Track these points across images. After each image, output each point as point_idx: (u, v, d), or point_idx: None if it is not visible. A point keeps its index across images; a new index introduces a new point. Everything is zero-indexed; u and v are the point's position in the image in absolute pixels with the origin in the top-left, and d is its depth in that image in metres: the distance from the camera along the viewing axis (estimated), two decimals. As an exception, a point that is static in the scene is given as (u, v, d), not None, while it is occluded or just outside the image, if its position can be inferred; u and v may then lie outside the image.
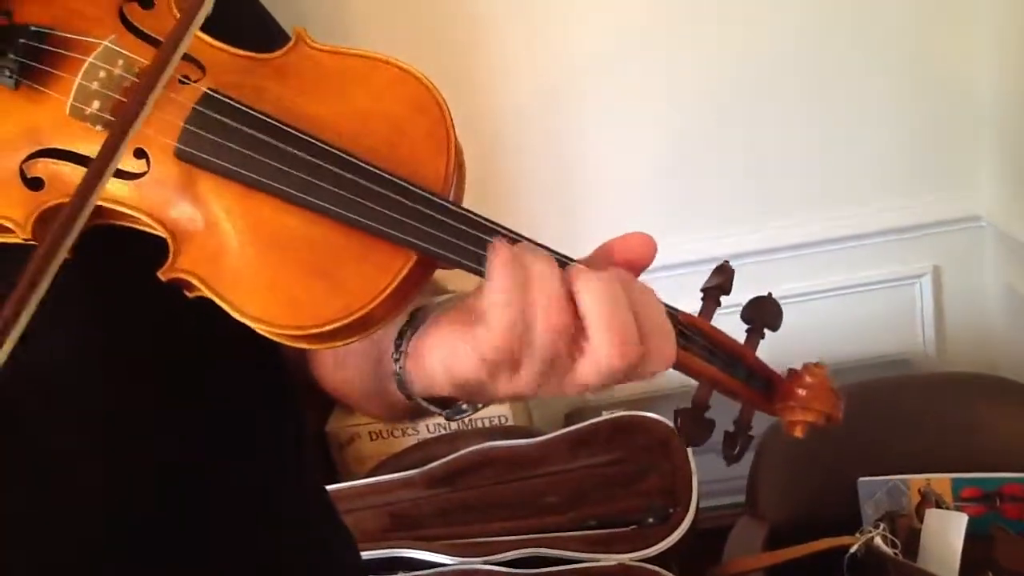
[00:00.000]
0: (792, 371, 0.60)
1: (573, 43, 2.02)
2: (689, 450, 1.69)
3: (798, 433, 0.60)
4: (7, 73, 0.59)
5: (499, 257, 0.53)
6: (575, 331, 0.53)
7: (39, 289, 0.52)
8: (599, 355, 0.52)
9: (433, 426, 2.07)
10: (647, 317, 0.53)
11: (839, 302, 2.15)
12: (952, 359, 2.18)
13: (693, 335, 0.58)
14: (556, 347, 0.53)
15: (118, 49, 0.60)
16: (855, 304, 2.16)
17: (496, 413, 2.05)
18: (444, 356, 0.58)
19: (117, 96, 0.59)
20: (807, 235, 2.10)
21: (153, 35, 0.62)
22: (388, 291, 0.56)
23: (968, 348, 2.17)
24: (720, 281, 0.60)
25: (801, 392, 0.59)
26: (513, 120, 2.07)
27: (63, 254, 0.53)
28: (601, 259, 0.57)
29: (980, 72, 1.99)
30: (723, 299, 0.61)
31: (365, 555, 1.58)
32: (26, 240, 0.59)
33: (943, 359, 2.19)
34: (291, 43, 0.62)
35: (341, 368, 0.75)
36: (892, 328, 2.18)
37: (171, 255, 0.58)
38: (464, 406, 0.64)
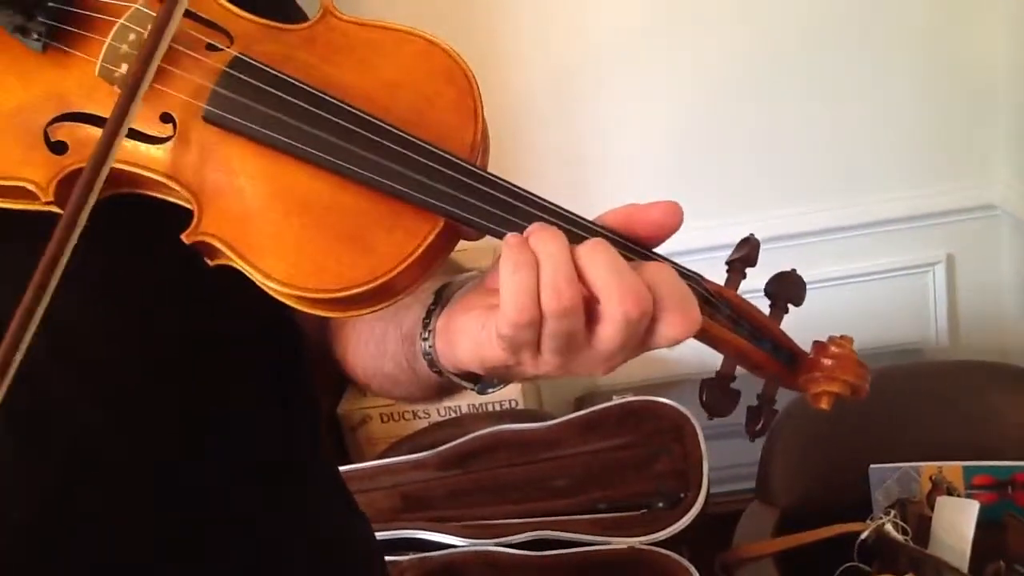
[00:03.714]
0: (817, 343, 0.60)
1: (591, 20, 2.02)
2: (700, 435, 1.69)
3: (824, 405, 0.59)
4: (35, 36, 0.59)
5: (508, 243, 0.54)
6: (589, 303, 0.53)
7: (63, 259, 0.52)
8: (613, 312, 0.52)
9: (444, 409, 2.08)
10: (661, 283, 0.54)
11: (852, 290, 2.15)
12: (964, 348, 2.18)
13: (719, 304, 0.58)
14: (571, 323, 0.53)
15: (149, 12, 0.60)
16: (868, 292, 2.15)
17: (507, 397, 2.06)
18: (471, 343, 0.58)
19: None
20: (820, 223, 2.10)
21: None
22: (414, 256, 0.56)
23: (981, 337, 2.17)
24: (745, 253, 0.59)
25: (827, 362, 0.59)
26: (529, 97, 2.08)
27: (84, 219, 0.53)
28: (623, 222, 0.57)
29: (995, 60, 1.98)
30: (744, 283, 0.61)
31: (377, 535, 1.59)
32: (47, 204, 0.59)
33: (955, 348, 2.19)
34: (319, 14, 0.63)
35: (378, 364, 0.74)
36: (905, 316, 2.17)
37: (196, 218, 0.58)
38: (495, 380, 0.64)
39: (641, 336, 0.54)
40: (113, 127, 0.55)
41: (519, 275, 0.52)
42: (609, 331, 0.53)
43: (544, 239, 0.53)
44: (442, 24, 1.93)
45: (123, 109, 0.55)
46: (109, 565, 0.71)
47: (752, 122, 2.06)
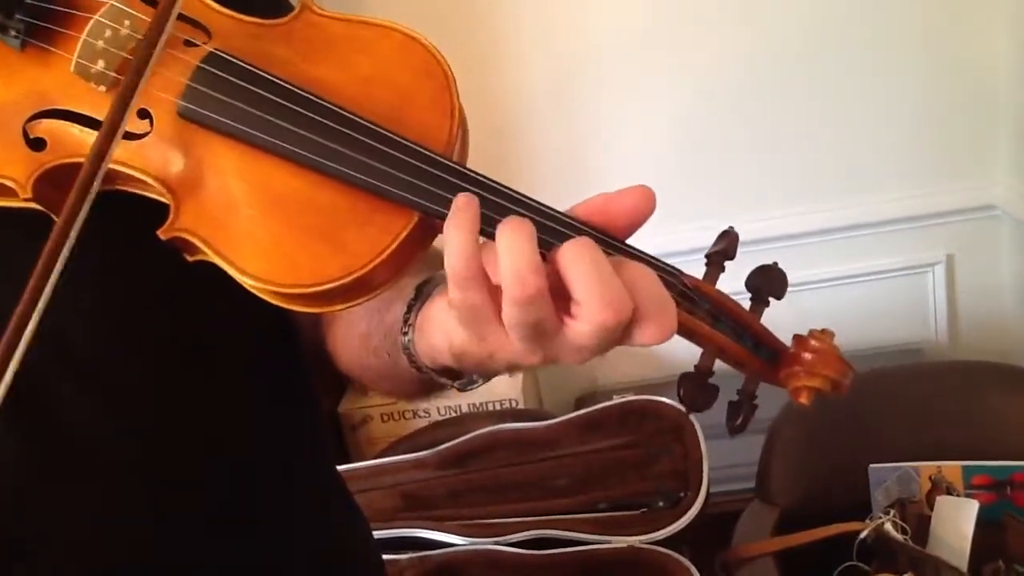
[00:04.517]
0: (797, 337, 0.59)
1: (592, 21, 2.03)
2: (700, 435, 1.69)
3: (804, 400, 0.58)
4: (13, 33, 0.60)
5: (455, 204, 0.53)
6: (564, 294, 0.53)
7: (61, 257, 0.53)
8: (591, 317, 0.52)
9: (444, 408, 2.08)
10: (642, 289, 0.53)
11: (851, 290, 2.15)
12: (964, 348, 2.18)
13: (698, 299, 0.57)
14: (537, 311, 0.52)
15: (125, 8, 0.60)
16: (868, 292, 2.15)
17: (507, 396, 2.06)
18: (440, 333, 0.59)
19: (124, 55, 0.59)
20: (820, 223, 2.10)
21: None
22: (389, 252, 0.56)
23: (980, 337, 2.17)
24: (724, 246, 0.59)
25: (807, 356, 0.58)
26: (529, 96, 2.08)
27: (82, 219, 0.53)
28: (597, 211, 0.57)
29: (996, 60, 1.99)
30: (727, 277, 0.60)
31: (377, 534, 1.59)
32: (26, 200, 0.59)
33: (955, 348, 2.19)
34: (297, 10, 0.63)
35: (363, 359, 0.74)
36: (904, 317, 2.18)
37: (171, 214, 0.58)
38: (475, 376, 0.64)
39: (616, 338, 0.53)
40: (108, 131, 0.55)
41: (449, 232, 0.52)
42: (584, 330, 0.53)
43: (508, 228, 0.53)
44: (444, 25, 1.95)
45: (117, 116, 0.55)
46: (108, 565, 0.71)
47: (753, 122, 2.06)
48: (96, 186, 0.54)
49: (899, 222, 2.09)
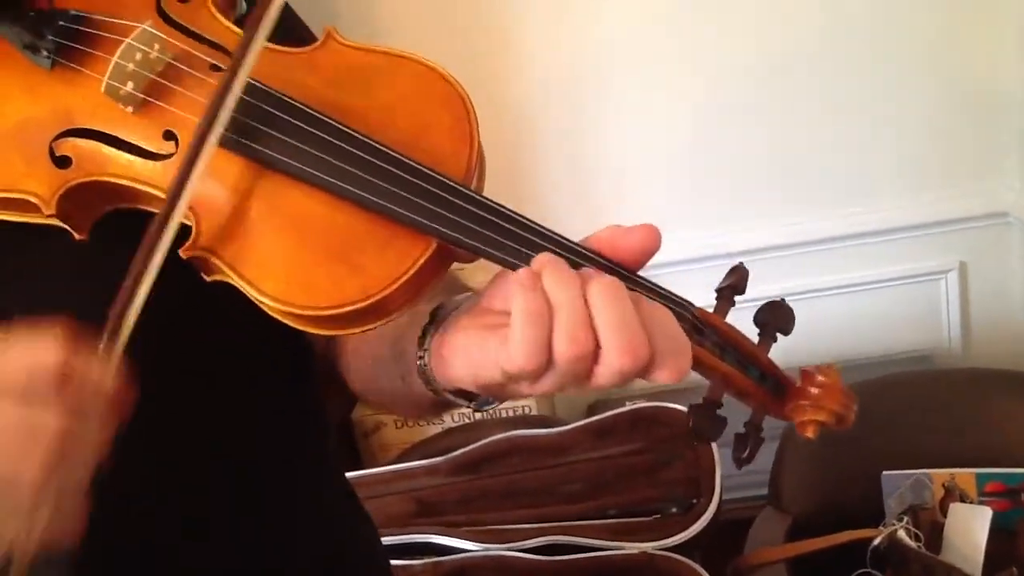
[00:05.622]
0: (804, 371, 0.61)
1: (596, 33, 2.03)
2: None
3: (809, 434, 0.60)
4: (44, 54, 0.61)
5: (521, 284, 0.54)
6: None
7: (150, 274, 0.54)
8: (611, 362, 0.53)
9: (457, 415, 2.09)
10: (659, 334, 0.54)
11: (864, 297, 2.14)
12: (976, 355, 2.17)
13: (707, 331, 0.59)
14: (581, 366, 0.54)
15: (156, 32, 0.61)
16: (880, 300, 2.15)
17: (520, 403, 2.07)
18: (467, 363, 0.59)
19: (153, 77, 0.61)
20: (832, 230, 2.10)
21: (188, 26, 0.64)
22: (407, 277, 0.57)
23: (993, 344, 2.16)
24: (734, 281, 0.60)
25: (813, 391, 0.59)
26: (534, 109, 2.08)
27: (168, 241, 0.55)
28: (607, 246, 0.58)
29: (1008, 66, 1.98)
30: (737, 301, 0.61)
31: (390, 540, 1.60)
32: (49, 216, 0.60)
33: (968, 355, 2.18)
34: (321, 40, 0.64)
35: (374, 380, 0.75)
36: (917, 324, 2.17)
37: (193, 233, 0.59)
38: (491, 399, 0.65)
39: (631, 378, 0.55)
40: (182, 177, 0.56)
41: (532, 329, 0.53)
42: (602, 372, 0.54)
43: (559, 283, 0.53)
44: (453, 36, 1.95)
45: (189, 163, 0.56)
46: (111, 569, 0.72)
47: (764, 129, 2.06)
48: (175, 223, 0.56)
49: (911, 229, 2.09)
